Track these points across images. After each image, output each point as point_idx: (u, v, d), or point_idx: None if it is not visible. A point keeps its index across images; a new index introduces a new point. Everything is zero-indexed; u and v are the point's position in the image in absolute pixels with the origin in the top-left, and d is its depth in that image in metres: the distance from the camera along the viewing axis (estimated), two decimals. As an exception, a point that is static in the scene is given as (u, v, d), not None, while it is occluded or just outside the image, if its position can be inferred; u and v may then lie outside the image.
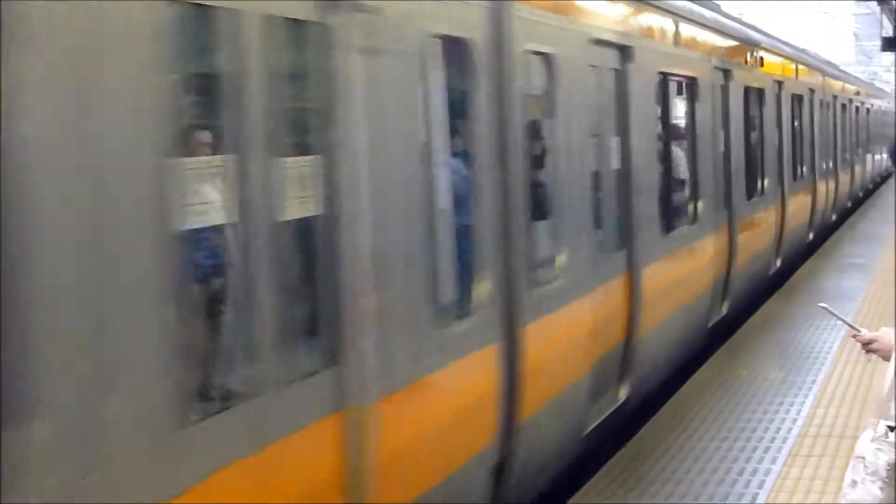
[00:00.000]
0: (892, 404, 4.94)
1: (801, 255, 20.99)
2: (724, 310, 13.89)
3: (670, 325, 11.13)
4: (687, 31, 12.76)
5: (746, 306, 15.46)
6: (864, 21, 64.61)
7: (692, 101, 12.96)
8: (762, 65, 17.54)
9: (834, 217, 26.66)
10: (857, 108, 33.92)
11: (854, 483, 4.72)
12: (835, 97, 28.03)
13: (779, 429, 9.82)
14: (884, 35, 38.60)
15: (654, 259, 10.46)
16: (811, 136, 23.02)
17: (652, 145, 11.01)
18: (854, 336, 5.11)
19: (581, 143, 8.88)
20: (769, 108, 17.99)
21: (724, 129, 14.39)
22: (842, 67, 38.00)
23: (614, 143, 9.98)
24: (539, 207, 8.15)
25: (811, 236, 22.53)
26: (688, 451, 9.25)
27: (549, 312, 7.83)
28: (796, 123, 21.24)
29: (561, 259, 8.30)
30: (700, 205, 12.72)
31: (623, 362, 9.72)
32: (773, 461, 8.93)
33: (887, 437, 4.72)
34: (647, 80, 10.82)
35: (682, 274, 11.69)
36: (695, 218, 12.59)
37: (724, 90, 14.46)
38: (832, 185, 26.07)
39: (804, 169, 21.84)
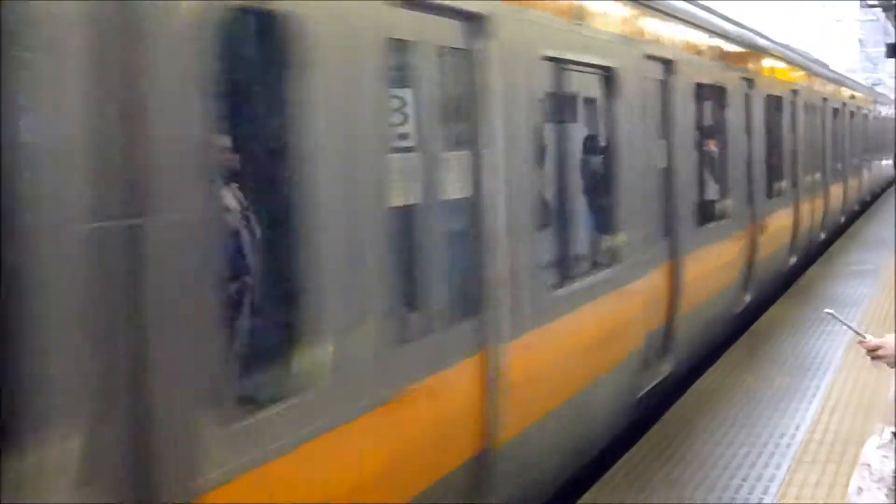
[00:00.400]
0: (897, 410, 4.95)
1: (780, 283, 18.24)
2: (667, 369, 10.98)
3: (563, 417, 8.08)
4: (598, 3, 9.59)
5: (705, 356, 12.80)
6: (869, 28, 64.61)
7: (609, 99, 9.67)
8: (724, 57, 14.47)
9: (823, 236, 23.69)
10: (851, 112, 30.69)
11: (860, 490, 4.73)
12: (825, 100, 24.68)
13: (783, 434, 9.83)
14: (888, 42, 38.67)
15: (530, 327, 7.42)
16: (793, 145, 19.76)
17: (524, 162, 7.50)
18: (860, 342, 5.12)
19: (373, 163, 5.59)
20: (734, 111, 14.68)
21: (664, 138, 11.36)
22: (846, 74, 37.75)
23: (449, 160, 6.64)
24: (246, 278, 4.95)
25: (793, 261, 19.54)
26: (692, 456, 9.27)
27: (275, 456, 4.67)
28: (774, 130, 18.09)
29: (312, 358, 5.07)
30: (620, 240, 9.63)
31: (473, 486, 6.71)
32: (778, 467, 8.94)
33: (892, 443, 4.73)
34: (521, 68, 7.54)
35: (585, 341, 8.60)
36: (613, 258, 9.51)
37: (665, 87, 11.44)
38: (821, 200, 22.93)
39: (784, 184, 18.66)
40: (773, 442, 9.62)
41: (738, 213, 14.59)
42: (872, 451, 4.74)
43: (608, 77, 9.61)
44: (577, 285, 8.58)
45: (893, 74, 52.97)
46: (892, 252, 21.72)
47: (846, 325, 5.49)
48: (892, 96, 47.92)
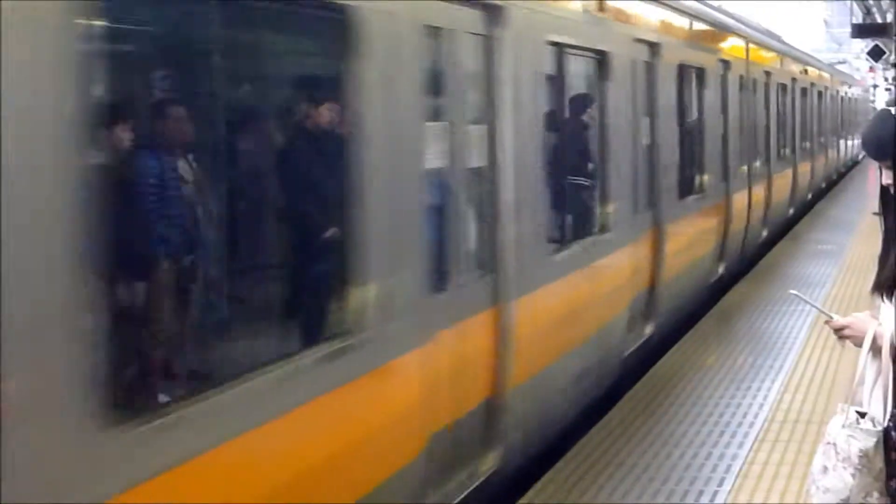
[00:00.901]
0: (862, 390, 4.91)
1: (706, 299, 14.99)
2: (491, 466, 7.69)
3: None
4: None
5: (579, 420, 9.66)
6: (834, 8, 64.77)
7: (343, 59, 5.95)
8: (605, 10, 10.65)
9: (765, 234, 20.63)
10: (803, 90, 27.07)
11: (825, 469, 4.68)
12: (768, 74, 21.25)
13: (745, 414, 9.81)
14: (854, 21, 38.76)
15: (256, 426, 4.86)
16: (723, 130, 16.34)
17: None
18: (827, 322, 5.07)
19: None
20: (626, 86, 11.17)
21: (484, 122, 7.75)
22: (813, 54, 37.46)
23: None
24: None
25: (722, 270, 16.20)
26: (655, 435, 9.23)
27: None
28: (695, 112, 14.80)
29: None
30: (371, 294, 6.00)
31: None
32: (741, 446, 8.92)
33: (858, 423, 4.69)
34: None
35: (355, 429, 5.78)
36: (343, 327, 5.87)
37: (489, 47, 7.86)
38: (762, 194, 19.94)
39: (708, 178, 15.13)
40: (735, 421, 9.60)
41: (629, 221, 11.17)
42: (838, 431, 4.69)
43: (432, 38, 6.52)
44: (237, 391, 4.83)
45: (859, 55, 53.20)
46: (854, 233, 21.84)
47: (811, 304, 5.43)
48: (857, 76, 48.10)
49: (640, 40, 11.84)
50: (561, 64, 9.51)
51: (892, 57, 41.73)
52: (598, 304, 10.06)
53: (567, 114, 10.05)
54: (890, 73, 50.05)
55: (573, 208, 9.95)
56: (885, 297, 4.86)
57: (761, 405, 10.06)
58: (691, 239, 13.96)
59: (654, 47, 12.36)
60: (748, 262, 18.39)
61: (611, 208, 10.59)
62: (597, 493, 7.96)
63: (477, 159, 7.68)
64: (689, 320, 13.62)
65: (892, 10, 35.07)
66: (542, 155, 8.77)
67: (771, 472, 8.29)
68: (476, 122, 7.71)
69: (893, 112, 5.18)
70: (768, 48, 22.44)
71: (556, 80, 9.47)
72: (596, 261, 10.01)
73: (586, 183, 10.40)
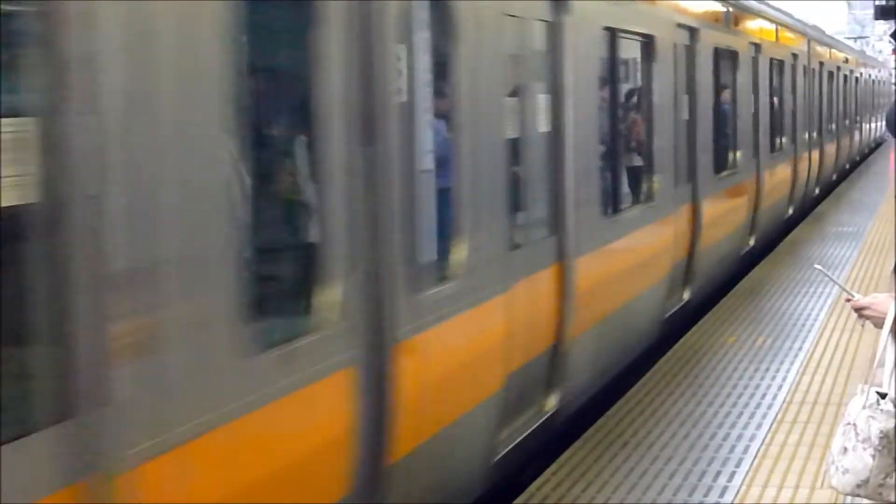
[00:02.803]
0: (882, 372, 4.91)
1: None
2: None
3: None
4: None
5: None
6: (857, -11, 64.46)
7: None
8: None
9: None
10: (814, 70, 24.09)
11: (845, 450, 4.68)
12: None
13: (764, 395, 9.81)
14: (877, 3, 38.53)
15: None
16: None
17: None
18: (848, 300, 5.06)
19: None
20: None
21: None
22: (835, 36, 36.98)
23: None
24: None
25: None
26: (673, 415, 9.24)
27: None
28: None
29: None
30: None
31: None
32: (759, 427, 8.93)
33: (879, 405, 4.68)
34: None
35: None
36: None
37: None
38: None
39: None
40: (754, 402, 9.60)
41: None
42: (858, 412, 4.69)
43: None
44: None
45: (882, 37, 52.89)
46: (874, 216, 21.77)
47: (834, 281, 5.43)
48: (882, 59, 47.76)
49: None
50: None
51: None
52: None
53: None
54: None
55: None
56: (906, 279, 4.86)
57: (780, 386, 10.06)
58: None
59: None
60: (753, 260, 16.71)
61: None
62: (614, 471, 7.98)
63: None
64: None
65: (917, -8, 34.84)
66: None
67: (789, 454, 8.29)
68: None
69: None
70: (785, 26, 20.73)
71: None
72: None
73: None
